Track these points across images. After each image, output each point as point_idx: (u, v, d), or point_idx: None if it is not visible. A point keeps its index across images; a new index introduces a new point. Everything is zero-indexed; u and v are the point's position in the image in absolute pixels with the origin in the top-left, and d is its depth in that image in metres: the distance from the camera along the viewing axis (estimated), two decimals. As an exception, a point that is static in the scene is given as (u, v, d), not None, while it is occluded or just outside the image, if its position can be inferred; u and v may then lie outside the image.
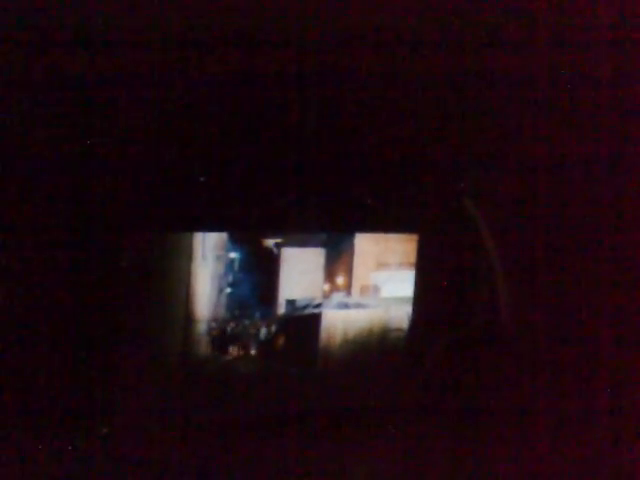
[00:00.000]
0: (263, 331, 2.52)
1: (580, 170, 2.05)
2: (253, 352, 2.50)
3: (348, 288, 2.62)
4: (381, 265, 2.62)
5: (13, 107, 1.82)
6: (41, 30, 1.74)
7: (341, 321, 2.57)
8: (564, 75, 1.94)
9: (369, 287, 2.66)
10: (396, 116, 2.10)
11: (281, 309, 2.54)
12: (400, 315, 2.49)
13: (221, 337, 2.46)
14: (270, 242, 2.58)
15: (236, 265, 2.55)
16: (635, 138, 1.99)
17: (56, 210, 1.94)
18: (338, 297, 2.59)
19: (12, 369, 1.88)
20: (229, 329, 2.49)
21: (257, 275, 2.54)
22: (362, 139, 2.14)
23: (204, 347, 2.46)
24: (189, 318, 2.45)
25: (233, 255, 2.55)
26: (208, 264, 2.49)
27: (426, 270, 2.35)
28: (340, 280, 2.60)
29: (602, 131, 1.99)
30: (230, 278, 2.53)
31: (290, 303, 2.56)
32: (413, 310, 2.37)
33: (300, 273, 2.59)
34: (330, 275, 2.60)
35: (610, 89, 1.96)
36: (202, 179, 2.11)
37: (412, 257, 2.48)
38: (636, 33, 1.90)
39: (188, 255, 2.42)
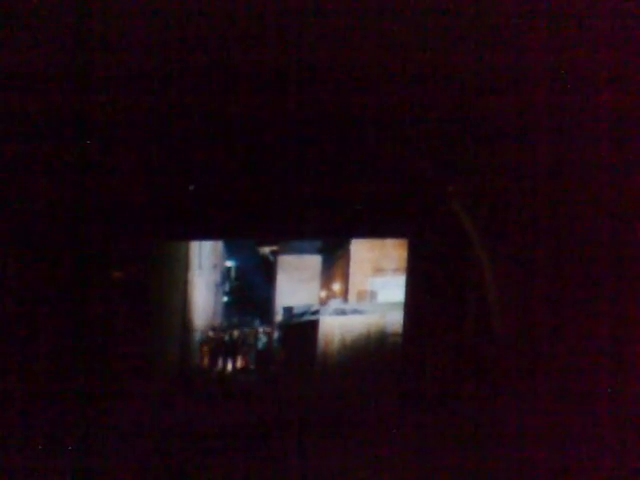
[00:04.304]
0: (261, 339, 2.52)
1: (576, 171, 2.05)
2: (251, 360, 2.50)
3: (345, 294, 2.62)
4: (378, 271, 2.62)
5: (10, 118, 1.82)
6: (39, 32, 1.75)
7: (338, 327, 2.57)
8: (562, 76, 1.94)
9: (366, 293, 2.66)
10: (389, 125, 2.10)
11: (278, 316, 2.54)
12: (397, 320, 2.50)
13: (218, 346, 2.46)
14: (266, 250, 2.58)
15: (233, 273, 2.55)
16: (635, 138, 1.98)
17: (53, 219, 1.93)
18: (335, 303, 2.59)
19: (10, 376, 1.88)
20: (226, 338, 2.49)
21: (254, 283, 2.54)
22: (355, 148, 2.14)
23: (201, 357, 2.46)
24: (186, 327, 2.45)
25: (230, 264, 2.55)
26: (204, 273, 2.49)
27: (417, 274, 2.35)
28: (337, 286, 2.61)
29: (600, 132, 1.98)
30: (227, 286, 2.53)
31: (287, 310, 2.55)
32: (405, 313, 2.38)
33: (297, 280, 2.59)
34: (327, 282, 2.60)
35: (609, 90, 1.95)
36: (191, 188, 2.10)
37: (408, 262, 2.48)
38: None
39: (185, 264, 2.42)
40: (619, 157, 1.99)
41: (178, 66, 1.87)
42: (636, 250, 2.02)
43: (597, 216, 2.03)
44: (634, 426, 2.00)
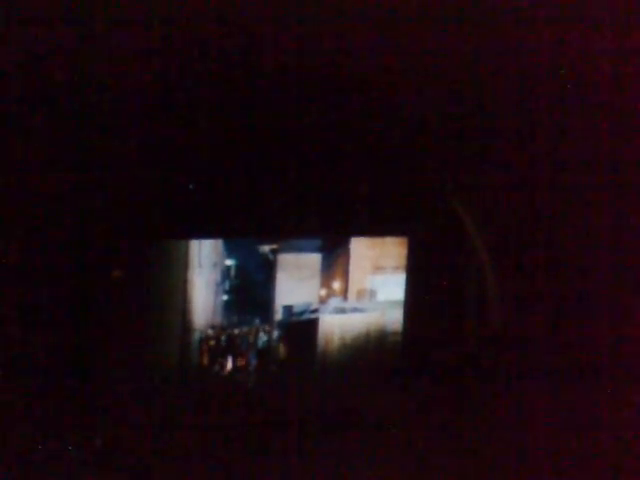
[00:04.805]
0: (261, 337, 2.52)
1: (577, 170, 2.06)
2: (251, 358, 2.50)
3: (345, 293, 2.62)
4: (377, 269, 2.62)
5: (14, 115, 1.83)
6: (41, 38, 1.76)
7: (338, 326, 2.57)
8: (560, 76, 1.94)
9: (366, 291, 2.66)
10: (387, 124, 2.11)
11: (278, 315, 2.54)
12: (397, 318, 2.49)
13: (218, 346, 2.47)
14: (266, 248, 2.58)
15: (232, 272, 2.55)
16: (635, 138, 1.99)
17: (54, 218, 1.94)
18: (335, 302, 2.59)
19: (13, 375, 1.89)
20: (225, 337, 2.49)
21: (254, 282, 2.54)
22: (354, 147, 2.15)
23: (201, 356, 2.46)
24: (186, 326, 2.45)
25: (229, 262, 2.55)
26: (204, 272, 2.49)
27: (416, 272, 2.35)
28: (336, 285, 2.60)
29: (600, 131, 1.99)
30: (227, 285, 2.53)
31: (287, 309, 2.56)
32: (405, 311, 2.38)
33: (296, 279, 2.59)
34: (326, 280, 2.60)
35: (609, 91, 1.96)
36: (191, 187, 2.11)
37: (408, 260, 2.49)
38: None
39: (184, 263, 2.42)
40: (620, 156, 1.99)
41: (178, 65, 1.88)
42: (637, 249, 2.03)
43: (598, 215, 2.04)
44: (634, 426, 2.00)
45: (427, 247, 2.31)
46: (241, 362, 2.40)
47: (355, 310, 2.55)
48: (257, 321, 2.39)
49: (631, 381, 2.01)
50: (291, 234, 2.39)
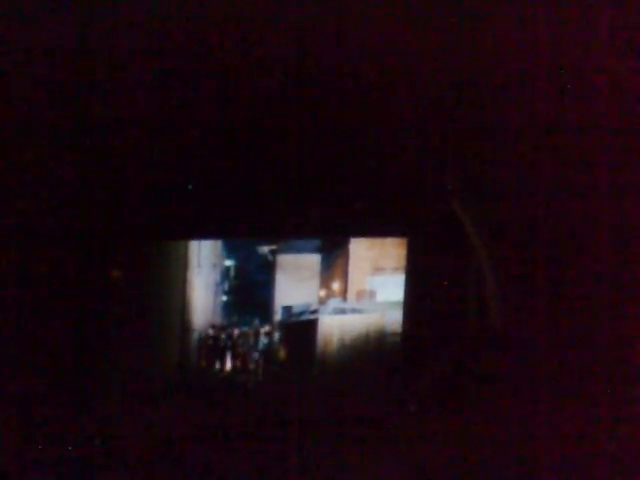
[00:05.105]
0: (260, 338, 2.51)
1: (577, 170, 2.06)
2: (251, 359, 2.49)
3: (344, 293, 2.61)
4: (377, 270, 2.61)
5: (13, 114, 1.83)
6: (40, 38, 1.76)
7: (337, 327, 2.57)
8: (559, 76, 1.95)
9: (365, 292, 2.65)
10: (387, 125, 2.11)
11: (277, 315, 2.54)
12: (396, 319, 2.49)
13: (217, 346, 2.46)
14: (265, 249, 2.57)
15: (232, 273, 2.54)
16: (637, 138, 1.99)
17: (51, 218, 1.94)
18: (334, 302, 2.59)
19: (12, 377, 1.88)
20: (224, 337, 2.49)
21: (253, 282, 2.54)
22: (354, 148, 2.15)
23: (200, 356, 2.45)
24: (185, 327, 2.45)
25: (228, 263, 2.55)
26: (204, 272, 2.49)
27: (416, 273, 2.35)
28: (336, 285, 2.60)
29: (603, 130, 1.99)
30: (226, 286, 2.53)
31: (286, 309, 2.55)
32: (404, 312, 2.38)
33: (296, 279, 2.59)
34: (326, 281, 2.60)
35: (609, 90, 1.96)
36: (190, 187, 2.11)
37: (407, 261, 2.48)
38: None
39: (183, 263, 2.41)
40: (622, 155, 2.00)
41: (177, 65, 1.88)
42: (637, 249, 2.03)
43: (598, 215, 2.04)
44: (634, 426, 2.00)
45: (427, 248, 2.31)
46: (241, 362, 2.39)
47: (354, 311, 2.55)
48: (257, 322, 2.39)
49: (631, 381, 2.01)
50: (290, 235, 2.39)
